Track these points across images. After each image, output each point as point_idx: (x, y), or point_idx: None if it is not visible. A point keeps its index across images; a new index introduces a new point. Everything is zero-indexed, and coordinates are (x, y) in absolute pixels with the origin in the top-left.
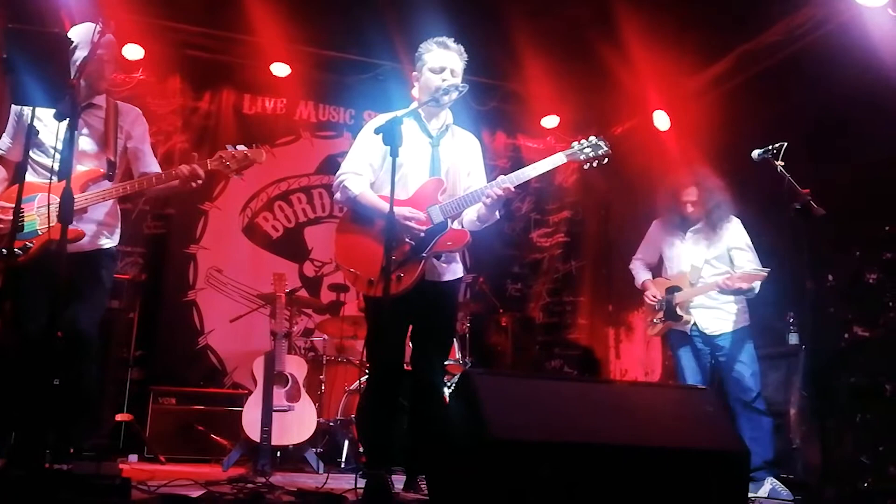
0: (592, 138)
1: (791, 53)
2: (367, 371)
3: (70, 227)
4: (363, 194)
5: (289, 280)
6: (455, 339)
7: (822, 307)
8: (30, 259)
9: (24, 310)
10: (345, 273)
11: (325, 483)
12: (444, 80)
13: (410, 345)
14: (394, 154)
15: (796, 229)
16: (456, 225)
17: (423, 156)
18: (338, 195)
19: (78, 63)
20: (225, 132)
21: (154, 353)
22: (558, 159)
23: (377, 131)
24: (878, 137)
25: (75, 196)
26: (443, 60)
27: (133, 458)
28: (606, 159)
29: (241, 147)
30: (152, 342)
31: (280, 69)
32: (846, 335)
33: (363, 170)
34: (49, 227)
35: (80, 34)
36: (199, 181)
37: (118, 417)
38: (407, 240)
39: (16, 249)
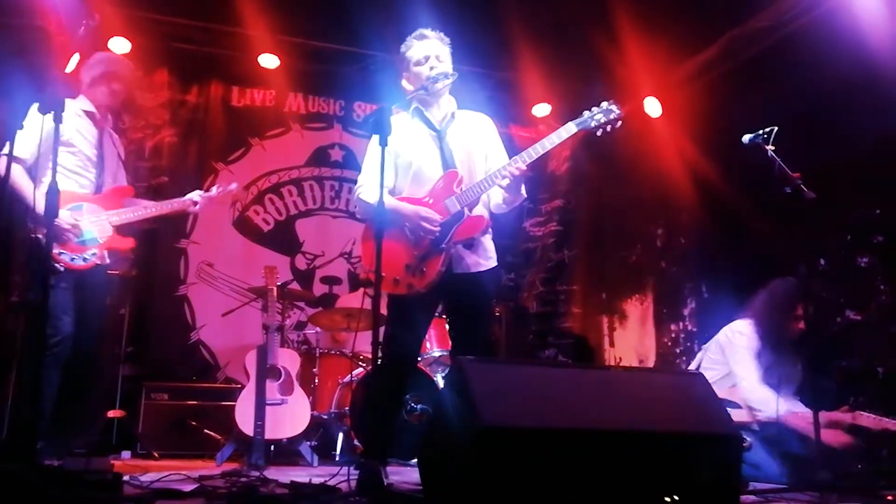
0: (604, 104)
1: (780, 38)
2: (375, 363)
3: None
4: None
5: (280, 273)
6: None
7: (814, 291)
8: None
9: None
10: (367, 275)
11: (317, 475)
12: (431, 69)
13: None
14: (382, 143)
15: (787, 213)
16: (478, 210)
17: (432, 150)
18: (358, 211)
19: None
20: (213, 125)
21: (146, 348)
22: (569, 129)
23: (365, 121)
24: (867, 121)
25: (117, 210)
26: (425, 50)
27: (126, 454)
28: (619, 122)
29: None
30: (144, 338)
31: (268, 60)
32: (838, 319)
33: (377, 179)
34: (109, 235)
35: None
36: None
37: (110, 414)
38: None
39: (84, 256)
